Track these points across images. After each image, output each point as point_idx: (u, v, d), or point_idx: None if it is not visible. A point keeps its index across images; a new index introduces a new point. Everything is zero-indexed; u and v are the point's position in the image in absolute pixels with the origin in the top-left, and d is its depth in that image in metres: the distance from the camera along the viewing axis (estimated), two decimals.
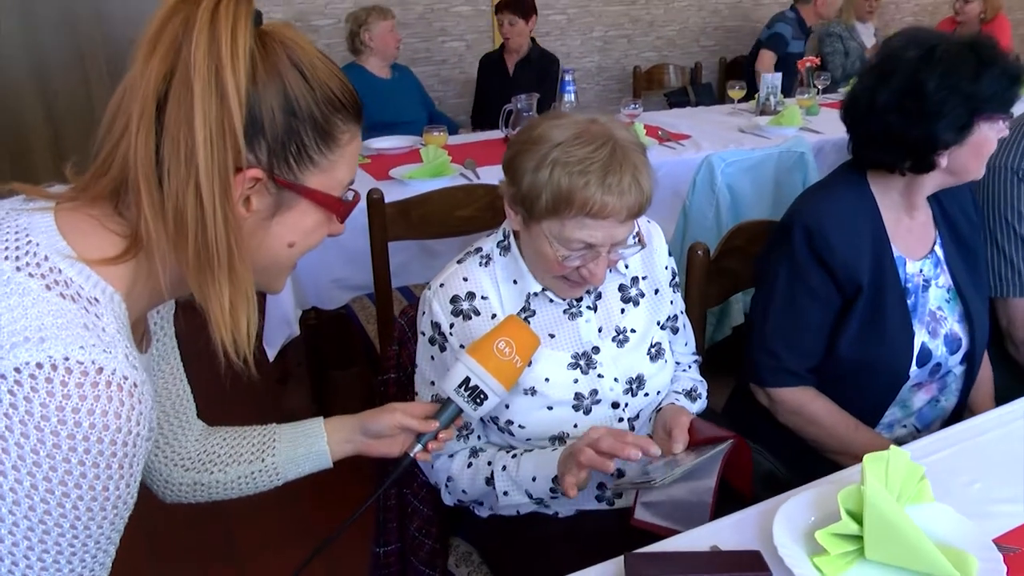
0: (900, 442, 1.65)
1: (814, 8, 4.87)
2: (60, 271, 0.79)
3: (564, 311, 1.41)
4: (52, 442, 0.73)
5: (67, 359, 0.73)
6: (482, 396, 1.16)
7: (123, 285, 0.84)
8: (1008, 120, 1.53)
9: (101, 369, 0.75)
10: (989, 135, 1.52)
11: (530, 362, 1.34)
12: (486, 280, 1.39)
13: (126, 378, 0.76)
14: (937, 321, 1.65)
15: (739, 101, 4.07)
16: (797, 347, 1.61)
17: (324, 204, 0.89)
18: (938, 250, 1.68)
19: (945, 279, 1.67)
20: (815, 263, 1.57)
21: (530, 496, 1.37)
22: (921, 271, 1.65)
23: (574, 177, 1.21)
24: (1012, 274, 1.82)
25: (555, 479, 1.31)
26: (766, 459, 1.57)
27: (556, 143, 1.23)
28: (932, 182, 1.59)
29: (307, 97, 0.84)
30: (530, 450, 1.38)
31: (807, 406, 1.61)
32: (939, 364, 1.65)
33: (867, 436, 1.58)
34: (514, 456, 1.38)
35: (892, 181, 1.61)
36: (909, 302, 1.61)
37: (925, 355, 1.61)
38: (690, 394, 1.54)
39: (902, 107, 1.48)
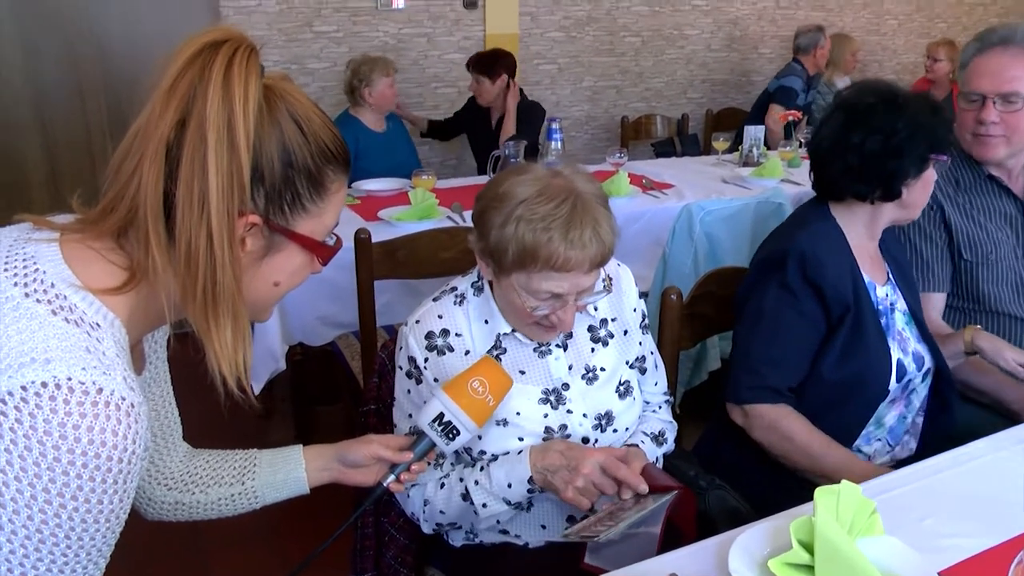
0: (874, 456, 1.77)
1: (813, 59, 4.96)
2: (65, 298, 0.85)
3: (534, 349, 1.46)
4: (52, 456, 0.78)
5: (70, 379, 0.79)
6: (455, 432, 1.22)
7: (123, 312, 0.89)
8: (946, 159, 1.73)
9: (101, 389, 0.80)
10: (933, 172, 1.73)
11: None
12: (460, 318, 1.45)
13: (123, 399, 0.81)
14: (904, 340, 1.76)
15: (723, 152, 4.15)
16: (781, 365, 1.68)
17: (311, 248, 0.96)
18: (892, 277, 1.82)
19: (901, 303, 1.81)
20: (808, 288, 1.67)
21: (508, 503, 1.39)
22: (887, 295, 1.78)
23: (538, 233, 1.27)
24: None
25: (530, 479, 1.36)
26: (733, 498, 1.62)
27: (520, 200, 1.29)
28: (889, 215, 1.74)
29: (303, 149, 0.90)
30: (494, 458, 1.41)
31: (782, 421, 1.66)
32: (910, 379, 1.75)
33: (839, 454, 1.63)
34: (482, 469, 1.40)
35: (856, 212, 1.75)
36: (882, 322, 1.73)
37: (901, 370, 1.72)
38: (657, 438, 1.57)
39: (876, 142, 1.65)
